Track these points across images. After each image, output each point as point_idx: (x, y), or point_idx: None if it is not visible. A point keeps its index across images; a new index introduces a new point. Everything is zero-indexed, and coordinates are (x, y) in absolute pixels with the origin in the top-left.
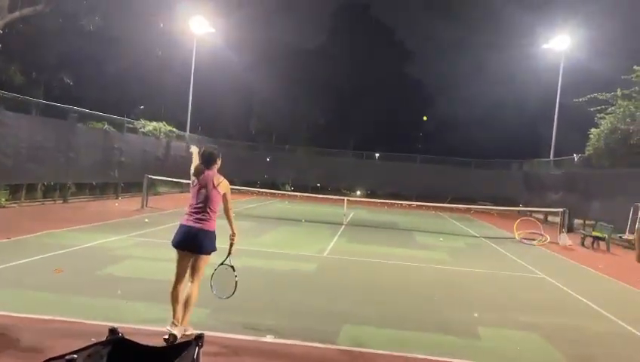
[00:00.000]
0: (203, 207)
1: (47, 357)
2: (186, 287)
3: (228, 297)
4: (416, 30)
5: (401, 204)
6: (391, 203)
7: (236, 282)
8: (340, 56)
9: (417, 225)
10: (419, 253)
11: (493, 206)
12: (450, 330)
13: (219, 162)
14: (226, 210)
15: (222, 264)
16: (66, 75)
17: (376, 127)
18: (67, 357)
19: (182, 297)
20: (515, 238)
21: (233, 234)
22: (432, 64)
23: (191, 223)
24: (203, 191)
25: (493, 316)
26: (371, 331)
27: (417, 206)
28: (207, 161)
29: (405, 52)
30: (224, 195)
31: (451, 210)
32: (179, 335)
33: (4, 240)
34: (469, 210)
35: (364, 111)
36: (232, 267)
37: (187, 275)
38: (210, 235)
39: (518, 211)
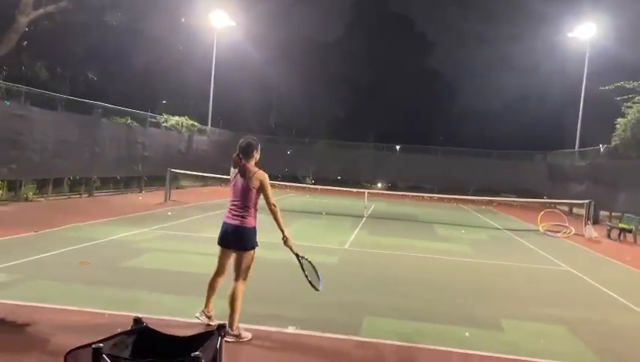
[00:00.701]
0: (239, 203)
1: (74, 347)
2: (231, 286)
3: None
4: (436, 21)
5: (422, 197)
6: (412, 195)
7: (311, 264)
8: (360, 49)
9: (439, 217)
10: (441, 246)
11: (517, 198)
12: (473, 323)
13: (256, 155)
14: (268, 205)
15: (302, 258)
16: (91, 70)
17: (396, 119)
18: (94, 346)
19: (217, 289)
20: (539, 230)
21: (283, 236)
22: (453, 55)
23: (229, 220)
24: (238, 185)
25: (517, 309)
26: (393, 323)
27: (439, 198)
28: (243, 152)
29: (426, 43)
30: (260, 189)
31: (473, 202)
32: (230, 340)
33: (32, 234)
34: (491, 202)
35: (384, 103)
36: (303, 258)
37: (232, 273)
38: (247, 232)
39: (542, 203)
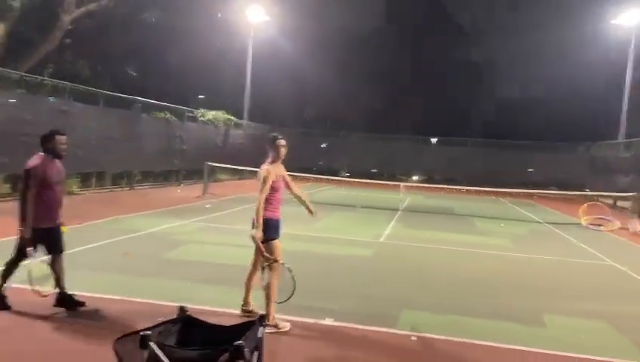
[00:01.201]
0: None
1: (122, 334)
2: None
3: (288, 297)
4: (474, 11)
5: (460, 190)
6: (448, 188)
7: (289, 270)
8: (396, 40)
9: (476, 210)
10: (479, 239)
11: (557, 190)
12: (514, 318)
13: (278, 150)
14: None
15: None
16: (130, 66)
17: (432, 110)
18: (141, 333)
19: (252, 283)
20: (581, 224)
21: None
22: (490, 44)
23: None
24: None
25: (559, 304)
26: (431, 317)
27: (476, 191)
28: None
29: (463, 34)
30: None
31: (512, 195)
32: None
33: (76, 226)
34: (531, 195)
35: (420, 95)
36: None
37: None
38: (264, 223)
39: (585, 196)
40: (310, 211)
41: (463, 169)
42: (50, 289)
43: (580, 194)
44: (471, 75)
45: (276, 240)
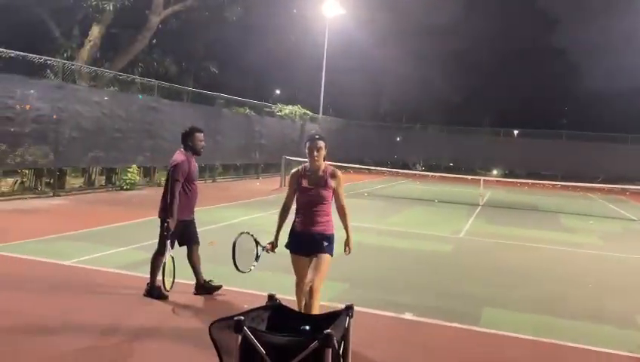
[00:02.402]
0: None
1: (216, 319)
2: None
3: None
4: None
5: (544, 185)
6: (532, 183)
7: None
8: (476, 30)
9: (563, 206)
10: (565, 237)
11: None
12: (605, 319)
13: (307, 153)
14: None
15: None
16: (212, 63)
17: (515, 102)
18: (236, 318)
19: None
20: None
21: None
22: (579, 31)
23: None
24: None
25: None
26: (515, 316)
27: (562, 186)
28: None
29: (548, 20)
30: None
31: (602, 190)
32: None
33: None
34: (623, 190)
35: (501, 86)
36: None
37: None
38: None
39: None
40: (348, 245)
41: (548, 163)
42: (170, 285)
43: None
44: (556, 64)
45: (296, 255)
